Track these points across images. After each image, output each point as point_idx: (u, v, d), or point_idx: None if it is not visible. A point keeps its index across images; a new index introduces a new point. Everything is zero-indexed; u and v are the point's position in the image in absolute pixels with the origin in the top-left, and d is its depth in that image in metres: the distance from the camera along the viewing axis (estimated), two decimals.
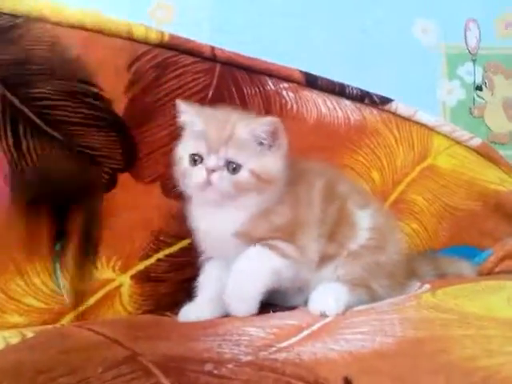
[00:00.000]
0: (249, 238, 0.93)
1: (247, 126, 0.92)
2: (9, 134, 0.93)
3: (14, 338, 0.83)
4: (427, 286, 1.09)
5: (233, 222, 0.93)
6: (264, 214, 0.94)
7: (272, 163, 0.94)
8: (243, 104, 1.16)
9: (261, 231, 0.93)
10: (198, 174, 0.90)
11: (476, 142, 1.41)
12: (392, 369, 0.62)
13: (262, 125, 0.92)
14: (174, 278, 1.08)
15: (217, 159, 0.89)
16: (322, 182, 1.01)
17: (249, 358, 0.69)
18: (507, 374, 0.58)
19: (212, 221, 0.95)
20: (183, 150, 0.94)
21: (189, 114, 0.95)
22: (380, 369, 0.62)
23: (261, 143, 0.92)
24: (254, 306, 0.91)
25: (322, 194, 1.00)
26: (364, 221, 1.02)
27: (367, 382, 0.58)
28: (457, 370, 0.61)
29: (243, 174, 0.91)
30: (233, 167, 0.90)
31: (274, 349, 0.72)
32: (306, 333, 0.79)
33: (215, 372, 0.63)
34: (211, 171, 0.89)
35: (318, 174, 1.02)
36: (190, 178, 0.91)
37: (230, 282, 0.91)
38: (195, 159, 0.91)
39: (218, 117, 0.94)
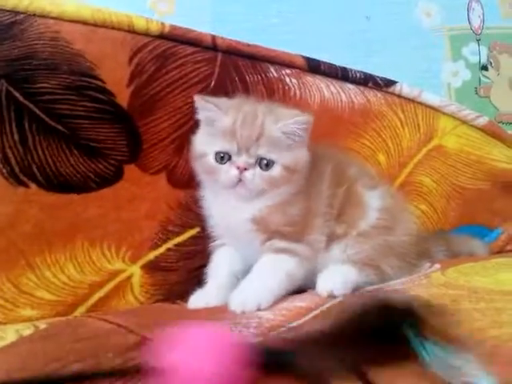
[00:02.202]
0: (264, 226, 0.93)
1: (278, 123, 0.90)
2: (14, 129, 0.93)
3: (26, 330, 0.83)
4: (437, 265, 1.09)
5: (252, 208, 0.93)
6: (279, 205, 0.93)
7: (301, 155, 0.93)
8: (246, 92, 1.16)
9: (276, 222, 0.93)
10: (227, 172, 0.89)
11: (483, 120, 1.40)
12: None
13: (295, 123, 0.91)
14: (184, 266, 1.09)
15: (248, 157, 0.88)
16: (331, 167, 1.00)
17: (260, 339, 0.69)
18: None
19: (229, 207, 0.95)
20: (207, 147, 0.92)
21: (210, 110, 0.93)
22: None
23: (291, 138, 0.92)
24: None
25: (331, 180, 1.00)
26: (373, 201, 1.02)
27: None
28: (466, 341, 0.61)
29: (276, 170, 0.90)
30: (265, 163, 0.89)
31: (283, 329, 0.73)
32: (315, 313, 0.80)
33: None
34: (243, 169, 0.88)
35: (327, 160, 1.01)
36: (219, 175, 0.90)
37: (245, 291, 0.88)
38: (222, 156, 0.90)
39: (245, 112, 0.91)
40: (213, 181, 0.93)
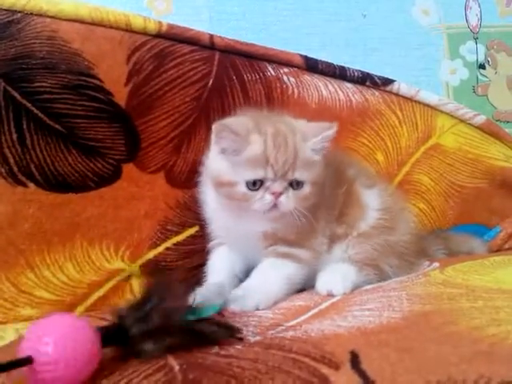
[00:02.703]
0: (272, 237, 0.93)
1: (307, 142, 0.89)
2: (12, 129, 0.93)
3: (25, 329, 0.83)
4: (436, 264, 1.09)
5: (266, 225, 0.92)
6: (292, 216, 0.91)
7: (320, 166, 0.92)
8: (244, 91, 1.16)
9: (284, 232, 0.93)
10: (263, 200, 0.86)
11: (480, 119, 1.40)
12: (399, 341, 0.63)
13: (323, 139, 0.90)
14: (183, 265, 1.09)
15: (283, 182, 0.87)
16: (332, 170, 1.00)
17: (257, 338, 0.70)
18: None
19: (242, 223, 0.94)
20: (235, 176, 0.87)
21: (233, 141, 0.86)
22: (387, 342, 0.63)
23: (320, 154, 0.91)
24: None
25: (332, 182, 0.99)
26: (373, 201, 1.03)
27: (374, 354, 0.58)
28: (464, 339, 0.61)
29: (307, 188, 0.89)
30: (296, 183, 0.88)
31: (281, 327, 0.73)
32: (313, 311, 0.80)
33: (222, 352, 0.64)
34: (279, 194, 0.86)
35: (329, 163, 0.99)
36: (252, 202, 0.87)
37: (245, 291, 0.88)
38: (254, 183, 0.87)
39: (272, 135, 0.88)
40: (242, 207, 0.89)
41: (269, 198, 0.86)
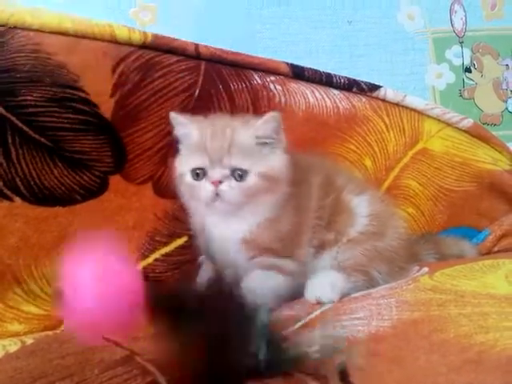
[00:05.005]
0: (254, 245, 0.93)
1: (248, 129, 0.90)
2: None
3: (13, 345, 0.83)
4: (425, 268, 1.09)
5: (241, 229, 0.92)
6: (270, 221, 0.92)
7: (278, 161, 0.92)
8: (231, 100, 1.16)
9: (267, 240, 0.92)
10: (204, 189, 0.87)
11: (467, 123, 1.41)
12: (387, 351, 0.63)
13: (264, 123, 0.90)
14: (173, 276, 1.08)
15: (221, 170, 0.87)
16: (320, 179, 1.00)
17: None
18: (502, 348, 0.59)
19: (219, 228, 0.94)
20: (183, 166, 0.91)
21: (183, 126, 0.93)
22: (376, 351, 0.63)
23: (264, 143, 0.91)
24: None
25: (319, 192, 0.99)
26: (361, 207, 1.02)
27: (362, 365, 0.58)
28: (452, 348, 0.61)
29: (252, 180, 0.88)
30: (239, 174, 0.87)
31: None
32: (303, 321, 0.80)
33: None
34: (218, 183, 0.86)
35: (315, 171, 1.00)
36: (197, 193, 0.89)
37: None
38: (197, 173, 0.88)
39: (215, 125, 0.91)
40: (194, 201, 0.92)
41: (209, 186, 0.87)
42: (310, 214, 0.97)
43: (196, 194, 0.89)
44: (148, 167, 1.07)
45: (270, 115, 0.91)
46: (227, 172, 0.87)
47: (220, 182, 0.87)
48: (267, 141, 0.91)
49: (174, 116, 0.94)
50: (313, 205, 0.97)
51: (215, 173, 0.87)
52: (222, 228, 0.93)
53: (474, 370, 0.53)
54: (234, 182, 0.87)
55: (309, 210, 0.97)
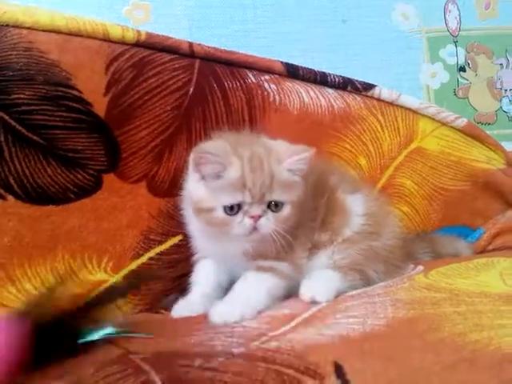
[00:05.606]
0: (254, 255, 0.92)
1: (284, 163, 0.89)
2: None
3: None
4: (420, 267, 1.09)
5: (245, 246, 0.92)
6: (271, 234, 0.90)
7: (301, 186, 0.92)
8: (225, 99, 1.15)
9: (266, 251, 0.92)
10: (242, 224, 0.86)
11: (462, 122, 1.41)
12: (382, 350, 0.63)
13: (300, 160, 0.89)
14: (167, 275, 1.08)
15: (262, 205, 0.86)
16: (313, 180, 0.99)
17: (241, 349, 0.69)
18: (496, 346, 0.59)
19: (222, 243, 0.93)
20: (214, 201, 0.87)
21: (214, 164, 0.86)
22: (371, 350, 0.63)
23: (297, 175, 0.91)
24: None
25: (313, 194, 0.99)
26: (356, 207, 1.02)
27: (358, 364, 0.58)
28: (447, 346, 0.61)
29: (287, 210, 0.89)
30: (275, 205, 0.87)
31: (265, 338, 0.73)
32: (298, 320, 0.79)
33: (206, 365, 0.64)
34: (258, 217, 0.86)
35: (309, 174, 0.98)
36: (231, 227, 0.87)
37: (226, 305, 0.87)
38: (232, 207, 0.86)
39: (249, 158, 0.87)
40: (222, 231, 0.89)
41: (248, 221, 0.86)
42: (305, 217, 0.96)
43: (228, 228, 0.87)
44: (142, 166, 1.06)
45: (307, 154, 0.89)
46: (265, 206, 0.87)
47: (259, 217, 0.86)
48: (298, 173, 0.91)
49: (198, 156, 0.87)
50: (307, 207, 0.97)
51: (255, 209, 0.86)
52: (225, 247, 0.93)
53: (469, 369, 0.53)
54: (270, 214, 0.87)
55: (304, 213, 0.96)
